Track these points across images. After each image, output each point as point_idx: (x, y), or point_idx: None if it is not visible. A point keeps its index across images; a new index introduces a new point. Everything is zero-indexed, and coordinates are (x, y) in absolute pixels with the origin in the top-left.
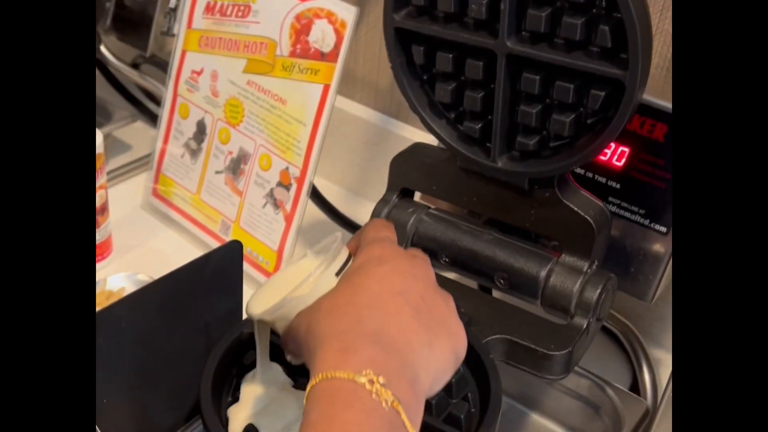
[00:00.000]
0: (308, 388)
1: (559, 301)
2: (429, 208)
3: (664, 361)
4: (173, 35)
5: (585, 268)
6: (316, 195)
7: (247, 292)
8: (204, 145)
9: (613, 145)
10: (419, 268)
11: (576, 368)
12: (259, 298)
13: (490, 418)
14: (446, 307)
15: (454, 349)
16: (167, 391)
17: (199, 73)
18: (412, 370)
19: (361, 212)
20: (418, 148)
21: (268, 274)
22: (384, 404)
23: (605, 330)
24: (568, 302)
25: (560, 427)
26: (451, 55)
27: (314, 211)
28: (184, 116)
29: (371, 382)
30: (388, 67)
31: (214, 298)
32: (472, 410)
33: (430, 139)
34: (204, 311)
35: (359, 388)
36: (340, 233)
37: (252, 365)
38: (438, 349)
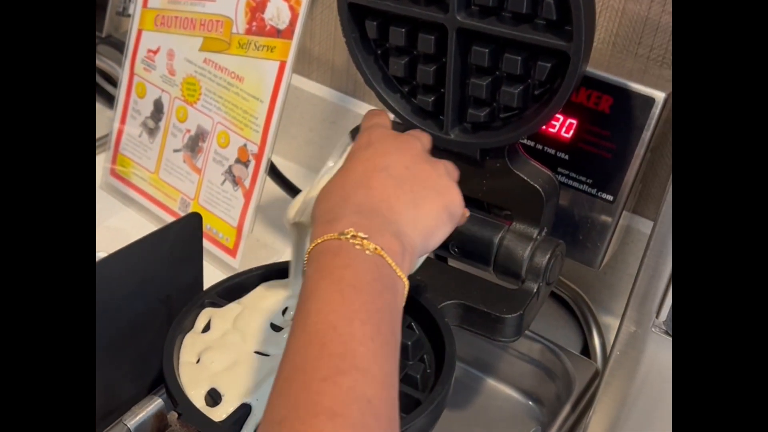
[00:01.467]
0: (305, 258)
1: (510, 266)
2: None
3: (613, 326)
4: (129, 15)
5: (535, 235)
6: (274, 172)
7: (208, 268)
8: (162, 123)
9: (561, 117)
10: (404, 143)
11: (529, 333)
12: (290, 207)
13: (444, 377)
14: (434, 171)
15: (444, 206)
16: (130, 362)
17: (155, 52)
18: (395, 226)
19: None
20: None
21: (228, 250)
22: (367, 251)
23: (558, 298)
24: (518, 268)
25: (514, 391)
26: (403, 30)
27: (273, 188)
28: (141, 95)
29: (354, 236)
30: (343, 46)
31: (175, 269)
32: (428, 371)
33: None
34: (165, 282)
35: (343, 242)
36: (349, 135)
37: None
38: (425, 208)
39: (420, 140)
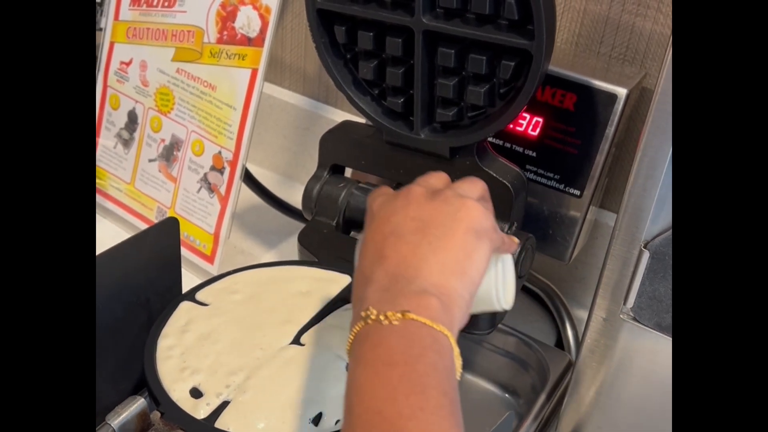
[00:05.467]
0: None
1: None
2: (359, 182)
3: (585, 319)
4: (100, 29)
5: (506, 230)
6: (249, 179)
7: (187, 275)
8: (136, 134)
9: (527, 116)
10: (405, 196)
11: (504, 327)
12: None
13: None
14: (442, 203)
15: (465, 230)
16: (110, 366)
17: (128, 64)
18: (419, 282)
19: (295, 195)
20: (346, 125)
21: (206, 257)
22: (395, 322)
23: (531, 293)
24: None
25: (491, 384)
26: (371, 34)
27: (250, 195)
28: (115, 107)
29: (377, 315)
30: (314, 54)
31: (154, 273)
32: None
33: (359, 120)
34: (145, 286)
35: (371, 325)
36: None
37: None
38: (446, 247)
39: (421, 184)
